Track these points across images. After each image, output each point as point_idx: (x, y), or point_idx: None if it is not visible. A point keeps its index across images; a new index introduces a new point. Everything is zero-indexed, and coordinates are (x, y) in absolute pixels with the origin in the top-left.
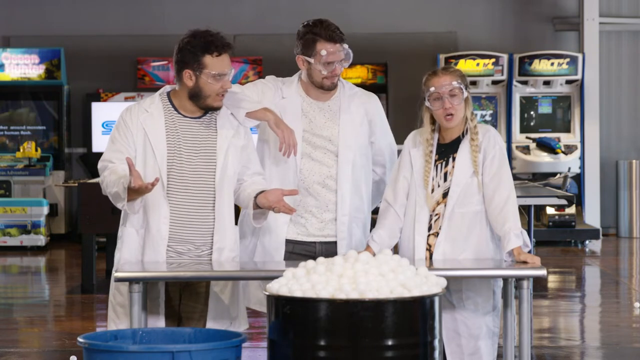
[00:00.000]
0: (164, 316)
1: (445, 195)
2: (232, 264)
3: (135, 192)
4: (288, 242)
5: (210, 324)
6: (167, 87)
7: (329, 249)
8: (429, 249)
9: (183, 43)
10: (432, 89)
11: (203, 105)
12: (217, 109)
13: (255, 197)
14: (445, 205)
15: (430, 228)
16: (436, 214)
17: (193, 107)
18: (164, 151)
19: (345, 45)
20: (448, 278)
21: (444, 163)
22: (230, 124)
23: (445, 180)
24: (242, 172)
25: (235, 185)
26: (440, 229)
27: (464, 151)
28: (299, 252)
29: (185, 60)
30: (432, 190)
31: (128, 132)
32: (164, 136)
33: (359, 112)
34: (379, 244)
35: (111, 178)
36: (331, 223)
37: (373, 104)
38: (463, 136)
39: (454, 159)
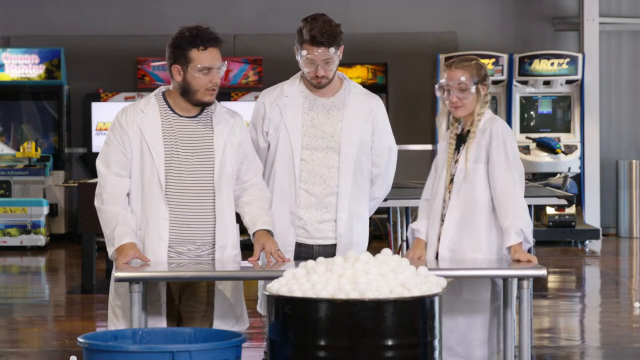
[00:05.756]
0: (165, 316)
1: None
2: (233, 263)
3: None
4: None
5: (217, 323)
6: (162, 88)
7: (326, 251)
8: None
9: (172, 39)
10: (442, 80)
11: (194, 100)
12: (208, 104)
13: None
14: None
15: (443, 218)
16: (444, 202)
17: (187, 105)
18: (161, 152)
19: (332, 50)
20: (448, 278)
21: (457, 153)
22: (225, 121)
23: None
24: (239, 169)
25: (236, 186)
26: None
27: (469, 140)
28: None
29: (173, 55)
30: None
31: (124, 134)
32: (161, 137)
33: (363, 109)
34: (423, 232)
35: (109, 211)
36: (331, 224)
37: (377, 104)
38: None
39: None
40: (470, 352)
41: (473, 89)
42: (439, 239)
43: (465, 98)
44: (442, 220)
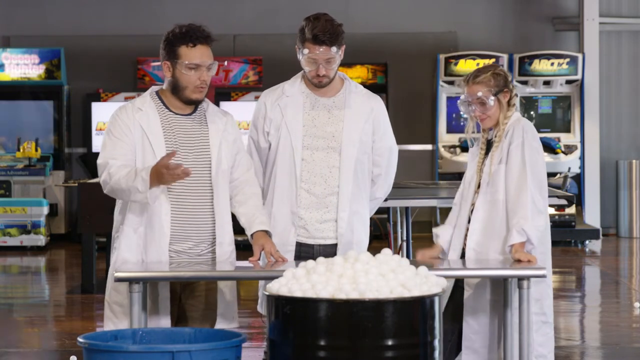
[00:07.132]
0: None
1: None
2: (230, 262)
3: (155, 181)
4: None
5: (220, 321)
6: (155, 87)
7: (326, 251)
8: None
9: (164, 36)
10: (462, 97)
11: (183, 97)
12: (197, 102)
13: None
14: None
15: (469, 220)
16: (472, 205)
17: (180, 103)
18: (162, 149)
19: (334, 49)
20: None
21: (486, 157)
22: (219, 118)
23: None
24: (232, 166)
25: (230, 185)
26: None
27: (494, 145)
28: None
29: (164, 52)
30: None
31: (127, 129)
32: (162, 134)
33: (364, 109)
34: (442, 239)
35: (122, 173)
36: (331, 224)
37: (378, 104)
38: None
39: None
40: (493, 353)
41: (491, 101)
42: (465, 241)
43: (487, 110)
44: (469, 223)
